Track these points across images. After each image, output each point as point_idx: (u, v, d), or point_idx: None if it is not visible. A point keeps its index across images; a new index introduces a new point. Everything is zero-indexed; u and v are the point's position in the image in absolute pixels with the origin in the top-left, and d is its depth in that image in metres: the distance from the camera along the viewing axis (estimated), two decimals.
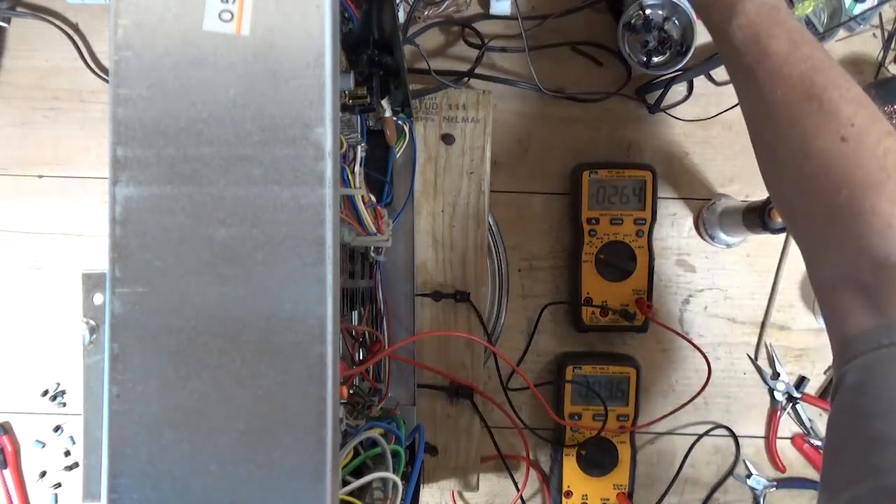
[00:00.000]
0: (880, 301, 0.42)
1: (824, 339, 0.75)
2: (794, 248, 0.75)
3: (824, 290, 0.48)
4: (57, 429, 0.75)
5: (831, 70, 0.46)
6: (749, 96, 0.51)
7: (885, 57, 0.74)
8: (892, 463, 0.39)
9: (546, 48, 0.73)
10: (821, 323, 0.75)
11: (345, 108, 0.54)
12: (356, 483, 0.45)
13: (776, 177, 0.50)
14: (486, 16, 0.74)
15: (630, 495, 0.72)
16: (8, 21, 0.74)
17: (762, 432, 0.76)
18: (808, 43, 0.48)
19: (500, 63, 0.75)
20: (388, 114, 0.64)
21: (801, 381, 0.75)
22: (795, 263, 0.75)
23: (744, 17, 0.49)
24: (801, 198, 0.47)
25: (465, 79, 0.73)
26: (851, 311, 0.44)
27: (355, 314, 0.62)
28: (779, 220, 0.64)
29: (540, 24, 0.73)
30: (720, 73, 0.74)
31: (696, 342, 0.72)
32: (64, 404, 0.75)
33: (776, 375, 0.75)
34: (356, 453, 0.49)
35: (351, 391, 0.58)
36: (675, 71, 0.71)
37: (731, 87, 0.74)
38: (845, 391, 0.44)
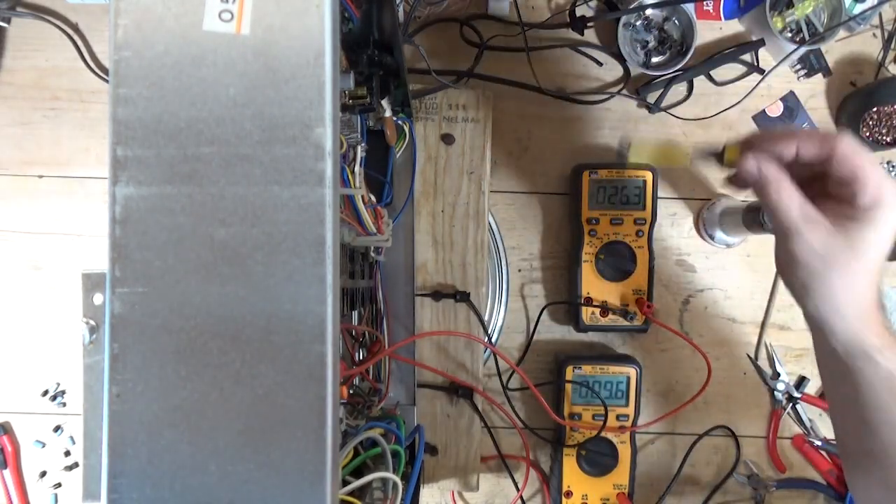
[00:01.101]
0: None
1: None
2: None
3: None
4: (57, 429, 0.75)
5: None
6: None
7: (885, 57, 0.74)
8: None
9: (546, 49, 0.74)
10: None
11: (345, 108, 0.54)
12: (356, 483, 0.45)
13: None
14: (486, 16, 0.74)
15: (630, 495, 0.72)
16: (8, 21, 0.74)
17: (762, 432, 0.76)
18: None
19: (500, 62, 0.75)
20: (388, 114, 0.64)
21: (801, 381, 0.75)
22: None
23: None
24: None
25: (465, 79, 0.73)
26: None
27: (355, 314, 0.62)
28: None
29: (540, 24, 0.73)
30: (720, 73, 0.74)
31: (696, 342, 0.72)
32: (64, 404, 0.75)
33: (776, 375, 0.75)
34: (356, 453, 0.49)
35: (351, 391, 0.58)
36: (675, 71, 0.71)
37: (731, 87, 0.74)
38: None
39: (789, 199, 0.46)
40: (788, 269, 0.48)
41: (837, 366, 0.49)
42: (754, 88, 0.73)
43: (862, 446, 0.50)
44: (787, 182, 0.47)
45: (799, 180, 0.47)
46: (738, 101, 0.73)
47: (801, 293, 0.48)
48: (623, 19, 0.71)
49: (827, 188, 0.47)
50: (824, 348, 0.49)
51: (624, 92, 0.74)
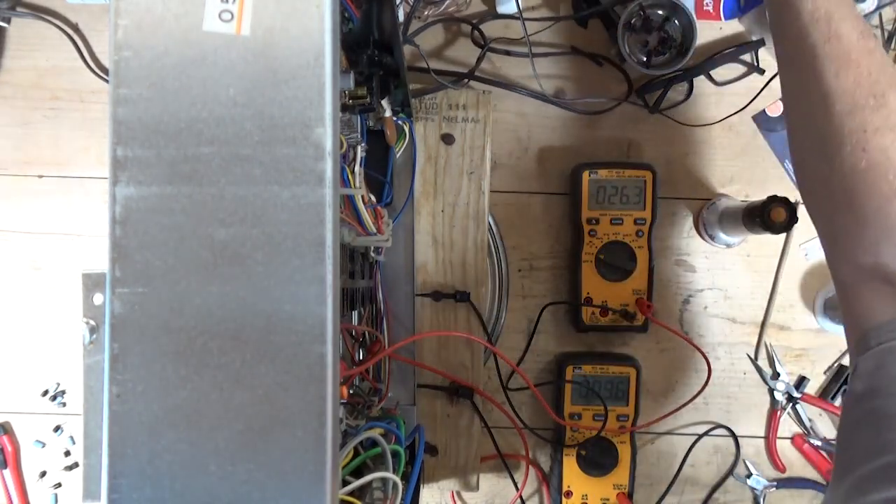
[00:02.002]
0: None
1: (824, 339, 0.76)
2: (794, 248, 0.75)
3: (847, 283, 0.48)
4: (57, 429, 0.75)
5: (891, 69, 0.46)
6: (802, 78, 0.49)
7: None
8: None
9: (548, 55, 0.74)
10: (821, 323, 0.75)
11: (345, 108, 0.54)
12: (356, 483, 0.45)
13: (818, 164, 0.49)
14: (494, 15, 0.73)
15: (630, 495, 0.72)
16: (8, 21, 0.74)
17: (762, 432, 0.76)
18: (873, 36, 0.48)
19: (501, 64, 0.75)
20: (388, 114, 0.64)
21: (801, 381, 0.75)
22: (795, 263, 0.75)
23: None
24: (843, 191, 0.47)
25: (466, 80, 0.73)
26: (874, 302, 0.45)
27: (355, 314, 0.62)
28: (779, 219, 0.64)
29: (544, 28, 0.73)
30: (720, 73, 0.74)
31: (696, 342, 0.72)
32: (64, 404, 0.75)
33: (776, 375, 0.75)
34: (356, 453, 0.49)
35: (351, 391, 0.58)
36: (675, 71, 0.71)
37: (731, 87, 0.74)
38: (858, 379, 0.44)
39: None
40: None
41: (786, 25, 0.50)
42: (760, 92, 0.72)
43: (815, 124, 0.50)
44: None
45: None
46: (744, 107, 0.73)
47: None
48: (623, 19, 0.71)
49: None
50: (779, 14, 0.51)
51: (631, 99, 0.74)
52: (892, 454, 0.40)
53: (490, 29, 0.73)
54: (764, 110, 0.75)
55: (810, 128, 0.49)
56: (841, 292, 0.49)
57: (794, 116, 0.52)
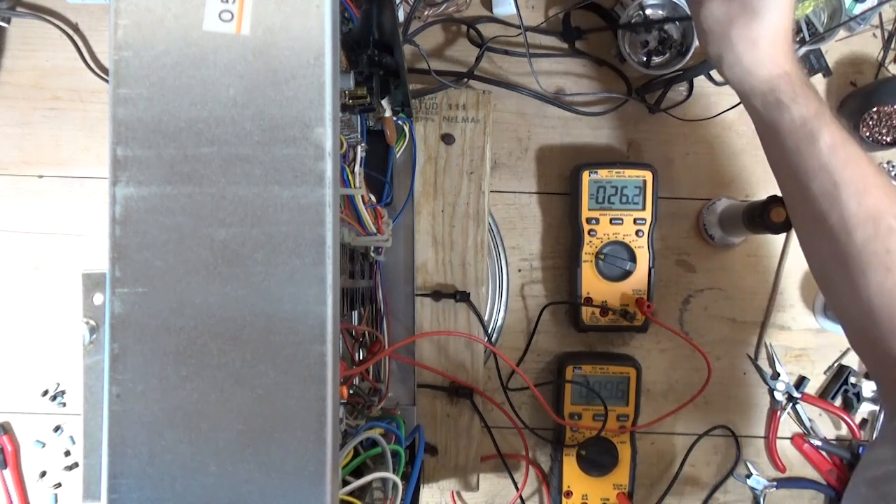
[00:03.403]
0: None
1: (824, 339, 0.76)
2: (794, 248, 0.75)
3: (879, 379, 0.54)
4: (57, 429, 0.75)
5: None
6: (823, 205, 0.50)
7: (885, 57, 0.74)
8: None
9: (548, 56, 0.74)
10: (821, 323, 0.75)
11: (345, 108, 0.54)
12: (356, 483, 0.45)
13: (843, 282, 0.51)
14: (491, 18, 0.73)
15: (630, 495, 0.72)
16: (8, 21, 0.74)
17: (762, 432, 0.76)
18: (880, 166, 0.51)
19: (501, 63, 0.75)
20: (388, 114, 0.64)
21: (801, 381, 0.75)
22: (795, 263, 0.75)
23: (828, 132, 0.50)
24: (872, 308, 0.49)
25: (465, 80, 0.73)
26: None
27: (355, 314, 0.62)
28: (779, 219, 0.64)
29: (540, 23, 0.73)
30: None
31: (696, 342, 0.72)
32: (64, 404, 0.75)
33: (776, 375, 0.75)
34: (356, 453, 0.49)
35: (351, 391, 0.58)
36: (675, 71, 0.71)
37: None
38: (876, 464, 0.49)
39: None
40: (703, 41, 0.55)
41: (762, 126, 0.53)
42: None
43: (798, 200, 0.53)
44: None
45: None
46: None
47: (718, 63, 0.54)
48: (623, 19, 0.71)
49: None
50: (751, 114, 0.54)
51: (633, 96, 0.74)
52: None
53: (491, 29, 0.73)
54: None
55: (832, 251, 0.51)
56: (875, 382, 0.54)
57: (814, 240, 0.53)
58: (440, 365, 0.72)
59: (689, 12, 0.70)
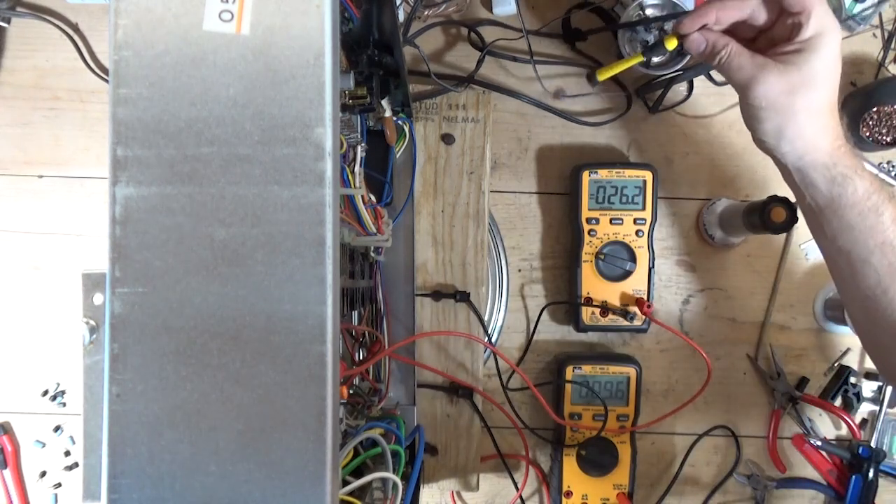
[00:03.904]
0: None
1: (824, 339, 0.76)
2: (794, 248, 0.75)
3: None
4: (57, 429, 0.75)
5: None
6: (868, 267, 0.52)
7: (885, 57, 0.74)
8: None
9: (547, 63, 0.74)
10: (821, 323, 0.75)
11: (345, 108, 0.54)
12: (356, 483, 0.45)
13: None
14: (492, 21, 0.73)
15: (630, 495, 0.72)
16: (8, 21, 0.74)
17: (762, 432, 0.76)
18: None
19: (501, 65, 0.75)
20: (388, 114, 0.64)
21: (801, 381, 0.75)
22: (795, 263, 0.75)
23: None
24: None
25: (465, 84, 0.73)
26: None
27: (355, 314, 0.62)
28: (779, 219, 0.64)
29: (541, 27, 0.73)
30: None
31: (696, 342, 0.72)
32: (64, 404, 0.75)
33: (776, 375, 0.75)
34: (356, 453, 0.49)
35: (351, 391, 0.58)
36: (675, 71, 0.71)
37: (731, 86, 0.74)
38: None
39: (739, 55, 0.51)
40: (757, 120, 0.52)
41: (821, 200, 0.52)
42: None
43: (854, 274, 0.53)
44: (733, 42, 0.52)
45: (741, 41, 0.53)
46: None
47: (776, 141, 0.52)
48: (623, 18, 0.71)
49: (768, 38, 0.53)
50: (805, 190, 0.53)
51: (631, 109, 0.74)
52: None
53: (491, 31, 0.73)
54: None
55: (890, 324, 0.52)
56: None
57: (869, 313, 0.54)
58: (440, 365, 0.72)
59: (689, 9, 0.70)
